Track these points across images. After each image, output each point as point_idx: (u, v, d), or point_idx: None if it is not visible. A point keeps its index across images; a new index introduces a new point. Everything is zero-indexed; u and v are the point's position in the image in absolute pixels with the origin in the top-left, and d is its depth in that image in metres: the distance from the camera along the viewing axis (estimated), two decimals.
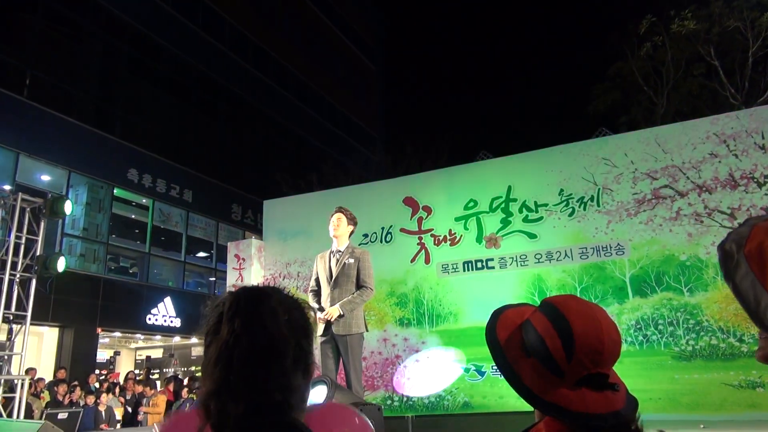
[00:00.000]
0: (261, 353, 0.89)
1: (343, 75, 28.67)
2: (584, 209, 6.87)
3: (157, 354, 20.55)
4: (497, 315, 1.20)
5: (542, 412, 1.08)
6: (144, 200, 17.14)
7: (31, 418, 8.14)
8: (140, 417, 10.06)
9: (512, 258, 7.13)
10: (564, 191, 7.01)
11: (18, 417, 7.24)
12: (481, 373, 6.86)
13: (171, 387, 11.13)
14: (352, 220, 4.64)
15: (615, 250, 6.62)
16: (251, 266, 8.40)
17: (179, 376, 15.01)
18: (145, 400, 10.36)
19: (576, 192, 6.94)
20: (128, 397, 10.97)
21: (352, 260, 4.47)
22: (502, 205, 7.32)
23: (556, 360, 1.05)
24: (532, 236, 7.08)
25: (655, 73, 15.80)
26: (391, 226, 7.89)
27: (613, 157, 6.83)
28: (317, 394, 1.45)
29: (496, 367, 6.92)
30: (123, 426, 10.06)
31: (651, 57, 15.28)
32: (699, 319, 6.05)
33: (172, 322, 16.95)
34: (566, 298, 1.14)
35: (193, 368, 19.28)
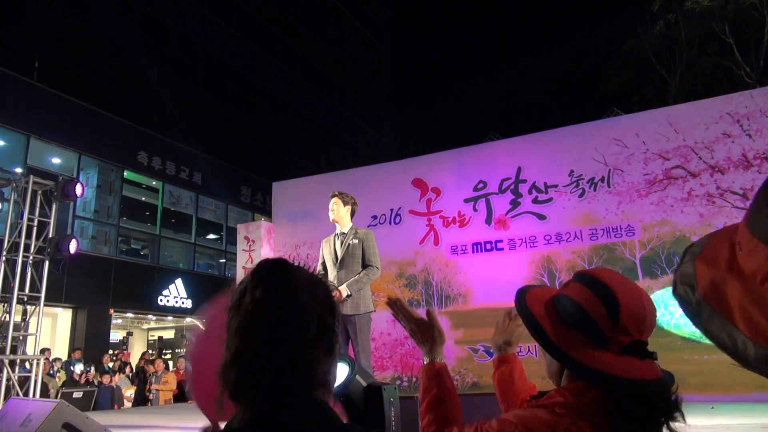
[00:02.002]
0: (282, 321, 0.87)
1: (352, 55, 28.45)
2: (595, 190, 6.82)
3: (169, 334, 20.81)
4: (524, 294, 1.20)
5: (587, 381, 1.07)
6: (154, 182, 17.22)
7: (47, 397, 8.29)
8: (151, 396, 10.22)
9: (521, 239, 7.11)
10: (574, 172, 6.96)
11: (34, 396, 7.38)
12: (490, 354, 6.88)
13: (182, 367, 11.28)
14: (348, 202, 4.66)
15: (625, 231, 6.58)
16: (261, 248, 8.44)
17: None
18: (154, 378, 10.52)
19: (586, 173, 6.89)
20: (142, 376, 11.14)
21: (356, 241, 4.50)
22: (512, 186, 7.28)
23: (601, 328, 1.06)
24: (541, 217, 7.05)
25: (668, 52, 15.55)
26: (400, 208, 7.88)
27: (624, 137, 6.75)
28: (338, 372, 1.44)
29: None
30: (134, 404, 10.23)
31: (664, 35, 15.03)
32: None
33: (183, 303, 17.12)
34: (601, 270, 1.16)
35: None
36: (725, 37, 13.82)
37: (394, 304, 1.47)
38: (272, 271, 0.92)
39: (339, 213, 4.61)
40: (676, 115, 6.62)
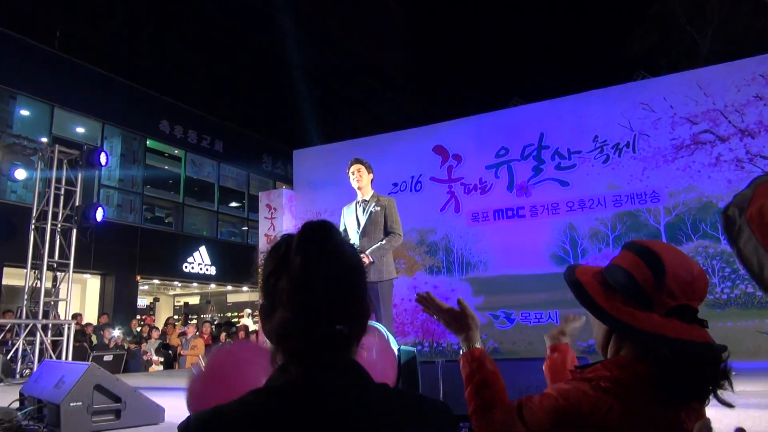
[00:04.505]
0: (339, 278, 0.89)
1: (371, 21, 28.01)
2: (619, 156, 6.70)
3: (194, 300, 21.26)
4: (573, 267, 1.24)
5: (632, 341, 1.11)
6: (176, 151, 17.35)
7: (84, 360, 8.57)
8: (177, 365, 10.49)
9: (543, 206, 7.05)
10: (599, 137, 6.83)
11: (66, 359, 7.63)
12: (511, 321, 6.92)
13: (207, 331, 11.55)
14: (371, 169, 4.66)
15: (650, 198, 6.48)
16: (282, 216, 8.50)
17: (216, 321, 15.59)
18: (183, 342, 10.79)
19: (611, 138, 6.76)
20: (167, 341, 11.43)
21: (378, 208, 4.50)
22: (534, 153, 7.18)
23: (645, 290, 1.08)
24: (564, 184, 6.97)
25: (698, 12, 15.01)
26: (420, 175, 7.84)
27: (651, 101, 6.59)
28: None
29: (525, 314, 6.94)
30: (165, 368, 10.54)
31: None
32: (735, 268, 5.94)
33: (207, 270, 17.42)
34: (652, 241, 1.18)
35: (228, 314, 19.95)
36: None
37: (424, 300, 1.51)
38: (323, 230, 0.93)
39: (363, 180, 4.59)
40: (706, 77, 6.42)
